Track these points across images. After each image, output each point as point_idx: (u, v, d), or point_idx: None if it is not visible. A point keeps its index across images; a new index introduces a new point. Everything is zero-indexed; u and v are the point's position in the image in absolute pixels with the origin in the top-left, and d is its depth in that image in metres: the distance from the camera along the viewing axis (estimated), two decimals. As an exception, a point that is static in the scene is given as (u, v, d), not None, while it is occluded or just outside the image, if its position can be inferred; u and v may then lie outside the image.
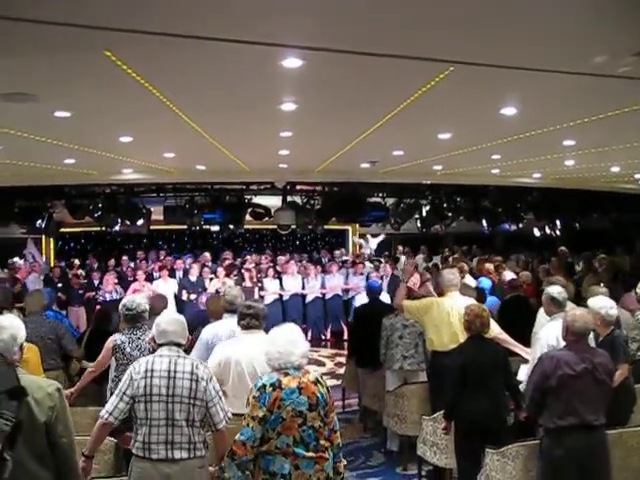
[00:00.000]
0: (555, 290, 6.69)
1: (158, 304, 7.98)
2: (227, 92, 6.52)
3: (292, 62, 5.28)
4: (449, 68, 5.52)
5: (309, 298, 16.53)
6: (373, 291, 9.69)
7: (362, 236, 21.48)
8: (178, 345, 4.74)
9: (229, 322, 6.62)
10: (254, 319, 5.89)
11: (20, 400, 2.08)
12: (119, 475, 5.25)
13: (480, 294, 9.02)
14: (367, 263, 17.87)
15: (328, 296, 16.69)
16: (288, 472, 4.26)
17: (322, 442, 4.35)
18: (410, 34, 4.73)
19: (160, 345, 4.75)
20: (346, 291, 16.79)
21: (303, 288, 16.49)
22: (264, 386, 4.33)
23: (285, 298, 16.07)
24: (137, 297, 6.96)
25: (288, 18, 4.36)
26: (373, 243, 20.89)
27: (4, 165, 11.72)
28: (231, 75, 5.84)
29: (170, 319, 4.89)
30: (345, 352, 14.94)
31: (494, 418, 6.03)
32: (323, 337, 16.49)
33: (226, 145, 9.96)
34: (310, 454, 4.29)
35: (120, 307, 6.74)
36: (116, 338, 6.53)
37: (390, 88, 6.36)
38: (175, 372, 4.54)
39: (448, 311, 7.37)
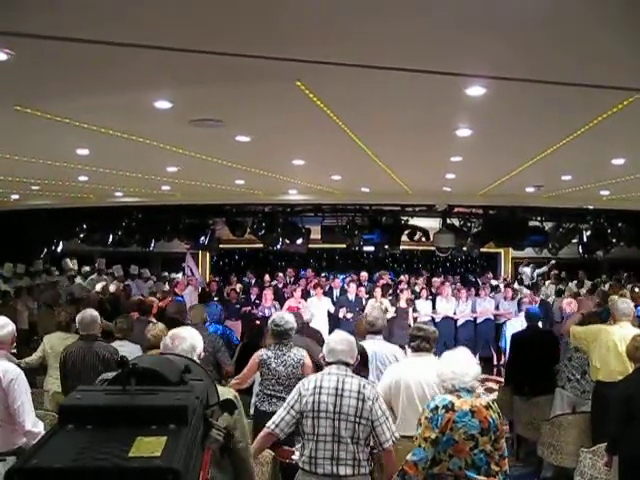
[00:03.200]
0: None
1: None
2: (406, 118, 6.62)
3: (476, 90, 5.32)
4: (634, 96, 5.41)
5: (460, 321, 16.33)
6: (532, 318, 9.52)
7: (526, 264, 21.21)
8: (346, 364, 4.82)
9: (370, 344, 6.71)
10: (424, 342, 5.89)
11: (231, 412, 2.23)
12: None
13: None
14: (524, 289, 17.53)
15: (479, 320, 16.48)
16: None
17: (493, 467, 4.32)
18: (596, 62, 4.66)
19: (329, 363, 4.86)
20: (496, 315, 16.55)
21: (454, 312, 16.35)
22: (437, 407, 4.36)
23: (437, 320, 15.89)
24: (287, 314, 7.14)
25: (476, 50, 4.43)
26: (535, 273, 20.53)
27: (177, 185, 12.36)
28: (413, 102, 5.94)
29: (340, 339, 4.96)
30: (494, 377, 14.76)
31: None
32: (473, 362, 16.19)
33: (395, 169, 10.08)
34: (482, 478, 4.26)
35: (269, 323, 6.96)
36: (262, 353, 6.72)
37: (569, 115, 6.28)
38: (343, 390, 4.63)
39: (618, 340, 7.14)
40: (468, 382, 4.45)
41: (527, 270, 20.84)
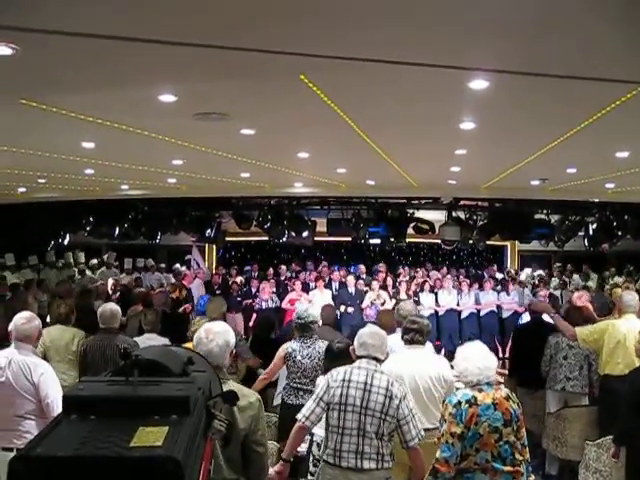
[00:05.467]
0: None
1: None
2: (410, 112, 6.63)
3: (478, 84, 5.34)
4: (637, 88, 5.41)
5: (464, 314, 16.27)
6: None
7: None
8: (376, 359, 4.82)
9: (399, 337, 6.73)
10: (418, 334, 5.90)
11: (233, 404, 2.25)
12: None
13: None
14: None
15: (482, 313, 16.42)
16: None
17: (517, 456, 4.37)
18: (598, 55, 4.68)
19: (359, 357, 4.86)
20: (499, 308, 16.48)
21: (458, 304, 16.32)
22: (459, 403, 4.38)
23: (440, 313, 15.89)
24: (309, 307, 7.17)
25: (479, 44, 4.45)
26: (535, 273, 20.42)
27: (183, 178, 12.39)
28: (416, 96, 5.95)
29: (372, 332, 4.96)
30: (499, 370, 14.74)
31: None
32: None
33: (400, 162, 10.09)
34: (508, 468, 4.31)
35: (294, 316, 7.00)
36: (288, 346, 6.77)
37: (573, 108, 6.27)
38: (371, 386, 4.64)
39: (624, 334, 7.13)
40: (491, 376, 4.50)
41: (528, 271, 20.79)
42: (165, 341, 7.32)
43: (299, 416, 4.80)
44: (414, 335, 5.90)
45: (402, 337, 6.04)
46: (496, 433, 4.31)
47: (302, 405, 4.99)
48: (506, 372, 13.05)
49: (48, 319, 12.08)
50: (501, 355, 16.09)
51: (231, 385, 4.00)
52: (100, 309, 7.27)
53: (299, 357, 6.65)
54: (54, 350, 7.42)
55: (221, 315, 8.20)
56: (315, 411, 4.74)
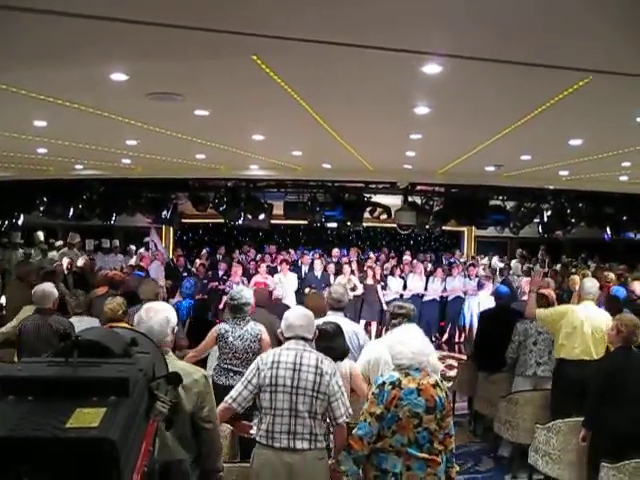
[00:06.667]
0: None
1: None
2: (364, 95, 6.64)
3: (432, 68, 5.36)
4: (588, 77, 5.47)
5: (426, 299, 16.35)
6: (500, 296, 9.58)
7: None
8: (304, 339, 4.84)
9: (332, 320, 6.75)
10: (405, 319, 5.95)
11: (177, 385, 2.24)
12: (234, 461, 5.42)
13: (615, 302, 8.71)
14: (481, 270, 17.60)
15: (450, 297, 16.56)
16: (400, 472, 4.28)
17: (436, 445, 4.34)
18: (551, 43, 4.72)
19: (287, 339, 4.87)
20: (465, 293, 16.57)
21: (426, 289, 16.40)
22: (383, 384, 4.38)
23: (405, 297, 15.59)
24: (244, 289, 7.19)
25: (432, 28, 4.47)
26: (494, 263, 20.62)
27: (138, 159, 12.28)
28: (370, 80, 5.95)
29: (298, 314, 4.97)
30: (456, 355, 14.93)
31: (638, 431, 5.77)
32: (434, 339, 16.17)
33: (355, 145, 10.11)
34: (423, 455, 4.29)
35: (227, 297, 7.00)
36: (221, 327, 6.80)
37: (526, 94, 6.33)
38: (301, 365, 4.64)
39: (582, 320, 7.26)
40: (423, 361, 4.47)
41: (494, 259, 21.00)
42: (95, 321, 7.23)
43: (226, 397, 4.81)
44: (402, 320, 5.95)
45: (389, 322, 6.11)
46: (416, 418, 4.29)
47: (232, 386, 5.01)
48: (462, 357, 13.26)
49: (3, 299, 11.98)
50: (457, 340, 16.31)
51: (175, 362, 4.04)
52: (34, 289, 7.20)
53: (231, 338, 6.68)
54: None
55: (155, 297, 8.11)
56: (242, 393, 4.74)
